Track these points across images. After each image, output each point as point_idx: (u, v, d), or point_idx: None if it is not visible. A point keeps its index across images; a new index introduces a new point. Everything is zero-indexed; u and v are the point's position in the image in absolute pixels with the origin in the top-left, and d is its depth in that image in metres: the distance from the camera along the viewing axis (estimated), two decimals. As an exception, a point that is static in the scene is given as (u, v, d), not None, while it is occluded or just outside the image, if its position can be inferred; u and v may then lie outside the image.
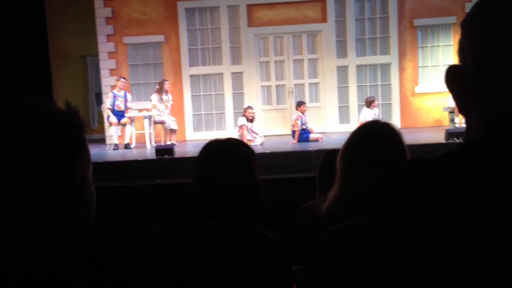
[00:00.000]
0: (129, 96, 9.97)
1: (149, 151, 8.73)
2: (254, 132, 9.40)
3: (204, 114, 11.71)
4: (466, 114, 0.65)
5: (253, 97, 11.50)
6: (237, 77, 11.62)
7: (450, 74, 0.65)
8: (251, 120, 9.30)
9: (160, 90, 9.80)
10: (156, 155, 7.16)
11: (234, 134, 9.34)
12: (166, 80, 10.13)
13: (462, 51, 0.65)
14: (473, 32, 0.62)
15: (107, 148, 9.86)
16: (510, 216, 0.52)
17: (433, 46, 11.60)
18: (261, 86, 11.67)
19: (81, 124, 0.76)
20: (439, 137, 7.95)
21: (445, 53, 11.46)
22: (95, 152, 9.27)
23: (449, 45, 11.26)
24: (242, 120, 9.21)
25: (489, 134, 0.60)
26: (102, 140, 11.51)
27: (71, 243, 0.67)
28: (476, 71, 0.61)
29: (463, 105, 0.65)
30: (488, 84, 0.60)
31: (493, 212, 0.53)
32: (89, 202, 0.80)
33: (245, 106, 9.72)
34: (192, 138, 11.43)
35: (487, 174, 0.55)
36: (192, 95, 11.63)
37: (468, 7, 10.89)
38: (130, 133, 9.75)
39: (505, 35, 0.58)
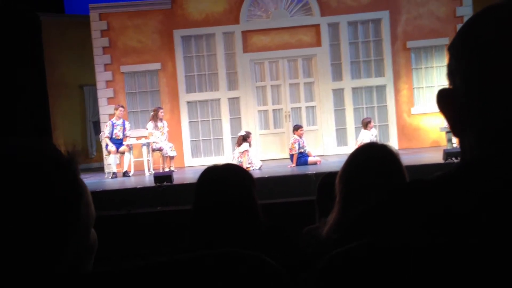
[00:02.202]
0: (127, 124, 10.02)
1: (147, 179, 8.71)
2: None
3: (202, 140, 11.73)
4: (459, 136, 0.66)
5: (250, 121, 11.55)
6: (234, 102, 11.69)
7: (441, 97, 0.66)
8: (250, 146, 9.37)
9: (155, 117, 9.88)
10: (155, 183, 7.14)
11: (232, 160, 9.35)
12: (161, 108, 10.23)
13: (451, 74, 0.66)
14: (461, 55, 0.63)
15: (105, 176, 9.83)
16: (504, 243, 0.52)
17: (427, 68, 11.72)
18: (258, 111, 11.73)
19: (75, 171, 0.75)
20: (437, 158, 7.96)
21: (439, 74, 11.57)
22: (93, 181, 9.24)
23: (443, 66, 11.37)
24: (246, 146, 9.25)
25: (483, 155, 0.60)
26: (100, 169, 11.48)
27: (70, 277, 0.66)
28: (466, 94, 0.62)
29: (456, 127, 0.65)
30: (478, 106, 0.61)
31: (497, 234, 0.53)
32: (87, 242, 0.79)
33: (245, 131, 9.73)
34: (191, 164, 11.42)
35: (484, 195, 0.55)
36: (189, 121, 11.68)
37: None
38: (129, 161, 9.75)
39: (491, 57, 0.59)
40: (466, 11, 11.32)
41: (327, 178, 2.33)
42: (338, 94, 11.66)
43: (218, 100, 11.70)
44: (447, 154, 7.55)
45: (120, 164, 9.83)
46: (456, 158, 7.26)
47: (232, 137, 11.44)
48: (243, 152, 9.22)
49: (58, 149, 0.76)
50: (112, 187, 7.84)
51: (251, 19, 11.66)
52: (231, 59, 11.66)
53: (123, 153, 9.73)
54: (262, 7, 11.65)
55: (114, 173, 9.49)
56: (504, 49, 0.58)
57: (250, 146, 9.34)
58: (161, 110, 10.06)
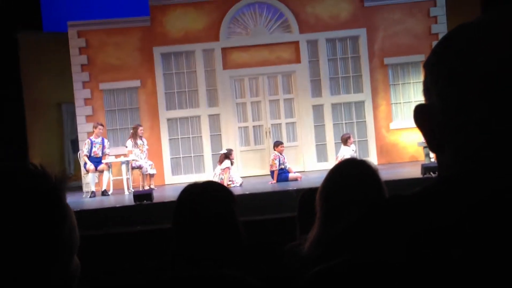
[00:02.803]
0: (106, 142, 9.92)
1: (127, 197, 8.61)
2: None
3: (182, 157, 11.66)
4: (436, 151, 0.67)
5: (230, 138, 11.54)
6: (214, 119, 11.68)
7: (418, 114, 0.67)
8: (232, 164, 9.36)
9: (134, 135, 9.82)
10: (134, 201, 7.06)
11: (214, 177, 9.31)
12: (140, 125, 10.17)
13: (427, 91, 0.67)
14: (436, 72, 0.65)
15: (84, 196, 9.67)
16: (488, 253, 0.53)
17: (404, 84, 11.93)
18: (239, 127, 11.74)
19: (60, 196, 0.75)
20: (415, 172, 8.06)
21: (416, 90, 11.78)
22: (71, 200, 9.08)
23: (419, 82, 11.59)
24: (227, 163, 9.23)
25: (459, 171, 0.61)
26: (79, 188, 11.30)
27: None
28: (442, 110, 0.63)
29: (432, 142, 0.66)
30: (454, 122, 0.62)
31: (470, 248, 0.54)
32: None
33: (226, 149, 9.72)
34: (171, 182, 11.33)
35: (460, 211, 0.56)
36: (169, 139, 11.62)
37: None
38: (108, 180, 9.61)
39: (465, 74, 0.60)
40: (441, 29, 11.59)
41: (307, 194, 2.33)
42: (317, 110, 11.76)
43: (198, 117, 11.68)
44: (425, 168, 7.65)
45: (99, 183, 9.70)
46: (434, 173, 7.36)
47: (212, 154, 11.41)
48: (224, 169, 9.19)
49: (45, 173, 0.76)
50: (91, 207, 7.72)
51: (230, 36, 11.74)
52: (211, 76, 11.69)
53: (102, 171, 9.61)
54: (242, 25, 11.75)
55: (92, 192, 9.35)
56: (477, 66, 0.59)
57: (232, 163, 9.32)
58: (140, 128, 9.99)
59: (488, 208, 0.55)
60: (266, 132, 11.74)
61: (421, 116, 0.67)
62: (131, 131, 10.01)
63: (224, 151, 9.53)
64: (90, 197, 9.27)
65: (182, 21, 11.63)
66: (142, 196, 7.14)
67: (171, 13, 11.63)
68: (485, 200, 0.56)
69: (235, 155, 11.09)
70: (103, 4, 12.67)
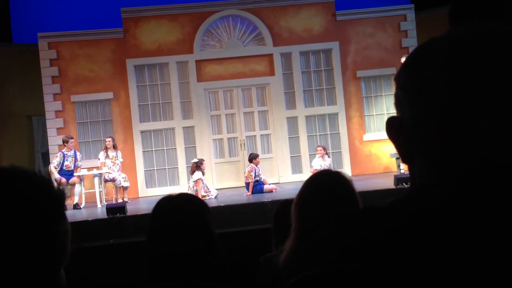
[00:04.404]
0: (78, 155, 9.77)
1: (99, 211, 8.45)
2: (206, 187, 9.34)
3: (157, 169, 11.55)
4: (408, 163, 0.69)
5: (205, 150, 11.50)
6: (189, 131, 11.63)
7: (390, 126, 0.69)
8: (203, 174, 9.29)
9: (106, 147, 9.71)
10: (107, 214, 6.93)
11: (188, 189, 9.24)
12: (110, 137, 10.03)
13: (398, 103, 0.69)
14: (406, 85, 0.67)
15: (54, 209, 9.45)
16: (447, 262, 0.55)
17: (376, 96, 12.13)
18: (213, 140, 11.72)
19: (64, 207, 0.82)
20: (388, 183, 8.16)
21: (388, 102, 12.00)
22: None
23: (391, 94, 11.81)
24: (199, 175, 9.15)
25: (430, 182, 0.63)
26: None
27: None
28: (412, 123, 0.65)
29: (404, 154, 0.68)
30: (425, 134, 0.64)
31: (437, 258, 0.55)
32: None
33: (198, 158, 9.68)
34: (145, 195, 11.19)
35: (431, 222, 0.57)
36: (143, 151, 11.50)
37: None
38: (80, 193, 9.44)
39: (433, 88, 0.62)
40: (411, 42, 11.87)
41: (282, 206, 2.34)
42: (292, 122, 11.84)
43: (173, 129, 11.61)
44: (398, 179, 7.77)
45: (70, 196, 9.50)
46: (407, 184, 7.48)
47: (187, 166, 11.33)
48: (196, 181, 9.13)
49: (48, 178, 0.85)
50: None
51: (204, 48, 11.75)
52: (185, 88, 11.65)
53: (73, 184, 9.43)
54: (216, 37, 11.79)
55: (64, 205, 9.14)
56: (444, 80, 0.61)
57: (203, 174, 9.26)
58: (107, 139, 9.84)
59: (450, 218, 0.57)
60: (240, 144, 11.74)
61: (393, 128, 0.68)
62: (104, 144, 9.92)
63: (195, 160, 9.48)
64: (61, 211, 9.06)
65: (155, 33, 11.60)
66: (115, 209, 7.03)
67: (144, 25, 11.59)
68: (446, 211, 0.58)
69: (210, 167, 11.07)
70: (75, 16, 12.53)
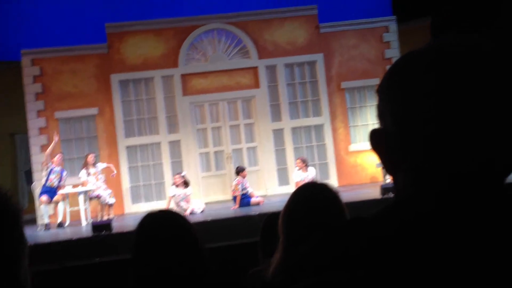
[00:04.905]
0: (65, 174, 9.66)
1: (84, 229, 8.34)
2: (186, 201, 9.19)
3: (143, 185, 11.46)
4: (392, 174, 0.69)
5: (191, 164, 11.45)
6: (175, 146, 11.58)
7: (373, 138, 0.69)
8: (185, 185, 9.17)
9: (86, 164, 9.61)
10: (93, 232, 6.84)
11: (176, 207, 9.19)
12: (91, 153, 9.94)
13: (381, 115, 0.70)
14: (388, 97, 0.67)
15: (38, 229, 9.29)
16: (432, 273, 0.55)
17: (361, 107, 12.24)
18: (200, 153, 11.68)
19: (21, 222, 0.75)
20: (375, 193, 8.21)
21: (372, 112, 12.10)
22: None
23: (376, 105, 11.90)
24: (171, 190, 9.25)
25: (414, 193, 0.63)
26: (33, 221, 10.87)
27: None
28: (396, 134, 0.66)
29: (388, 166, 0.69)
30: (408, 145, 0.64)
31: (422, 267, 0.56)
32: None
33: (181, 173, 9.64)
34: (131, 211, 11.07)
35: (416, 233, 0.58)
36: (129, 166, 11.40)
37: (389, 69, 11.70)
38: (63, 211, 9.29)
39: (415, 99, 0.63)
40: (394, 53, 12.03)
41: (270, 218, 2.33)
42: (278, 134, 11.87)
43: (159, 143, 11.55)
44: (384, 189, 7.82)
45: (54, 215, 9.36)
46: (393, 193, 7.52)
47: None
48: (172, 197, 9.21)
49: (9, 194, 0.77)
50: (46, 240, 7.43)
51: (189, 62, 11.77)
52: (170, 102, 11.63)
53: (57, 202, 9.29)
54: (200, 51, 11.82)
55: (46, 224, 9.00)
56: (425, 91, 0.62)
57: (181, 186, 9.21)
58: (90, 155, 9.75)
59: (433, 228, 0.58)
60: (227, 157, 11.72)
61: (377, 140, 0.69)
62: (84, 160, 9.82)
63: (184, 173, 9.52)
64: (45, 230, 8.91)
65: (140, 48, 11.59)
66: (101, 227, 6.94)
67: (129, 40, 11.57)
68: (430, 222, 0.58)
69: (197, 181, 11.05)
70: (59, 32, 12.46)
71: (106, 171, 10.04)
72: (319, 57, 11.99)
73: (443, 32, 0.73)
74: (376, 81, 11.84)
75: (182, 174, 9.44)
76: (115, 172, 10.11)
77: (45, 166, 9.48)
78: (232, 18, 11.88)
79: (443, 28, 0.74)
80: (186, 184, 9.22)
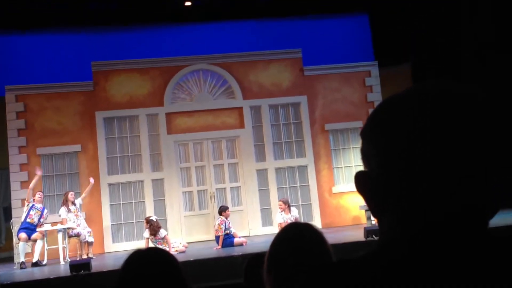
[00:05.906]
0: (45, 212, 9.50)
1: (62, 268, 8.11)
2: (161, 244, 9.05)
3: (124, 223, 11.26)
4: (378, 217, 0.70)
5: (174, 203, 11.33)
6: (158, 184, 11.48)
7: (358, 180, 0.71)
8: (153, 233, 9.07)
9: (66, 202, 9.49)
10: (71, 271, 6.66)
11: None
12: (71, 191, 9.86)
13: (365, 158, 0.71)
14: (371, 141, 0.69)
15: (15, 267, 9.01)
16: None
17: (344, 148, 12.36)
18: (183, 192, 11.58)
19: None
20: (358, 235, 8.17)
21: (356, 154, 12.21)
22: (1, 272, 8.44)
23: (359, 147, 11.98)
24: (146, 233, 9.17)
25: (399, 236, 0.64)
26: (10, 259, 10.55)
27: None
28: (380, 176, 0.67)
29: (374, 208, 0.70)
30: (392, 188, 0.66)
31: None
32: None
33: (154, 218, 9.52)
34: (111, 250, 10.83)
35: (399, 276, 0.59)
36: (110, 204, 11.23)
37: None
38: (41, 249, 9.04)
39: (398, 142, 0.65)
40: (376, 97, 12.28)
41: (253, 260, 2.31)
42: (261, 174, 11.86)
43: (142, 181, 11.45)
44: (368, 232, 7.79)
45: (31, 253, 9.10)
46: (377, 236, 7.50)
47: (156, 219, 11.08)
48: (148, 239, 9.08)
49: None
50: (22, 279, 7.19)
51: (175, 101, 11.84)
52: (155, 140, 11.61)
53: (35, 240, 9.06)
54: (186, 90, 11.92)
55: (22, 262, 8.73)
56: (406, 135, 0.64)
57: (152, 232, 9.12)
58: (70, 193, 9.67)
59: (417, 271, 0.59)
60: (210, 197, 11.63)
61: (362, 182, 0.70)
62: (63, 198, 9.69)
63: (152, 217, 9.41)
64: (20, 268, 8.64)
65: (126, 86, 11.65)
66: (79, 266, 6.76)
67: (115, 78, 11.64)
68: (413, 265, 0.59)
69: (179, 220, 10.92)
70: (45, 70, 12.48)
71: (86, 184, 10.18)
72: (303, 99, 12.17)
73: (423, 77, 0.76)
74: (359, 124, 12.02)
75: (151, 218, 9.33)
76: (93, 181, 10.04)
77: (27, 201, 9.32)
78: (217, 59, 12.07)
79: (423, 74, 0.77)
80: (153, 229, 9.10)
